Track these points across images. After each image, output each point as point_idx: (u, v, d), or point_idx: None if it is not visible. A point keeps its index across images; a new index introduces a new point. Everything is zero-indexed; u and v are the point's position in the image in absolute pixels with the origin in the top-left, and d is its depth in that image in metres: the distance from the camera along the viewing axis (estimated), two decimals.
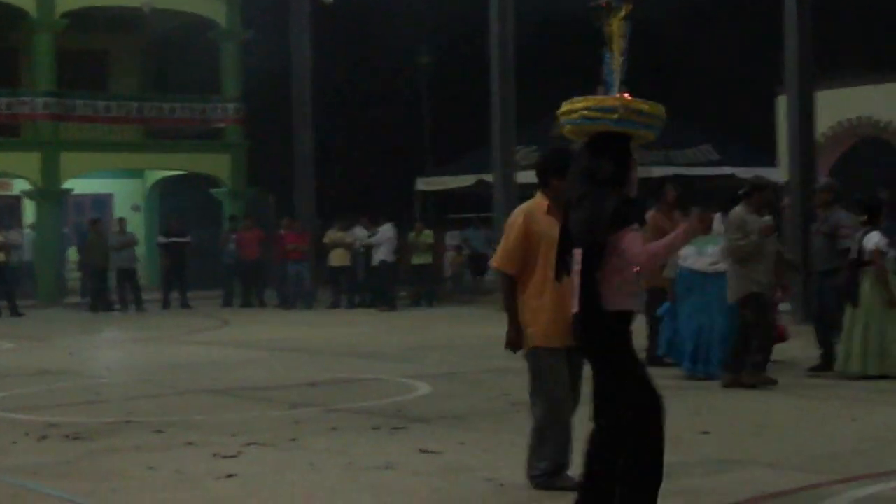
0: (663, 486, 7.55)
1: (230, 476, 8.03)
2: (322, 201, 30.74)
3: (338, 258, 26.17)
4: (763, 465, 8.11)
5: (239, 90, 32.71)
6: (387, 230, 25.44)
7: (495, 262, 7.59)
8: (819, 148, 23.28)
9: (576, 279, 6.24)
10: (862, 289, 12.27)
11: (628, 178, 6.28)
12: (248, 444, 9.15)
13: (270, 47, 31.10)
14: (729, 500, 6.97)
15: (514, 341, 7.51)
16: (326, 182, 31.95)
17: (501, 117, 24.22)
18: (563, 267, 6.39)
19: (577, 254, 6.23)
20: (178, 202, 31.73)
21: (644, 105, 6.32)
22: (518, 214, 7.54)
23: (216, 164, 32.55)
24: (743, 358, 12.03)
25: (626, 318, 6.24)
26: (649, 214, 13.66)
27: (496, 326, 17.02)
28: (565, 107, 6.41)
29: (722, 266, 12.47)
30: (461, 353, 16.32)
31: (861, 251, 12.32)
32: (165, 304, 26.92)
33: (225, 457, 8.66)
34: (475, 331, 19.48)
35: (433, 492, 7.54)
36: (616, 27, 6.44)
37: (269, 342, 18.40)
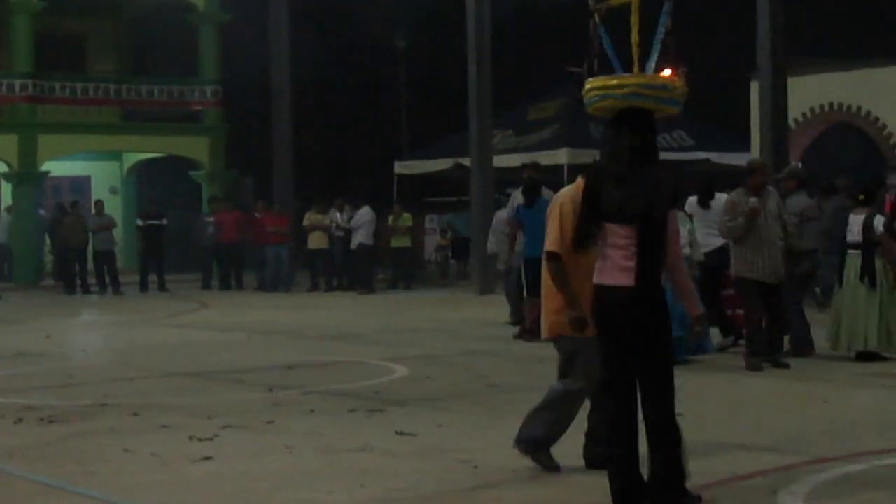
0: None
1: (206, 458, 8.07)
2: (300, 184, 30.74)
3: (316, 241, 26.21)
4: (735, 447, 8.20)
5: (217, 73, 32.63)
6: (365, 213, 25.46)
7: (550, 246, 7.36)
8: (791, 133, 23.42)
9: (617, 253, 6.32)
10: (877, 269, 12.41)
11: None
12: (225, 427, 9.19)
13: (249, 30, 31.05)
14: (702, 481, 7.05)
15: (582, 322, 7.07)
16: (305, 165, 31.94)
17: (478, 101, 24.25)
18: (586, 239, 6.48)
19: (618, 229, 6.31)
20: (156, 185, 31.67)
21: (680, 84, 6.57)
22: (564, 199, 7.37)
23: (194, 147, 32.49)
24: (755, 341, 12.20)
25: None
26: None
27: (474, 309, 17.18)
28: (605, 81, 6.49)
29: (687, 249, 12.50)
30: (439, 336, 16.38)
31: (868, 233, 12.39)
32: (143, 287, 26.88)
33: (201, 439, 8.70)
34: (453, 314, 19.56)
35: (409, 473, 7.60)
36: (635, 2, 6.56)
37: (247, 325, 18.41)
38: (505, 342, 15.09)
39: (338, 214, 26.09)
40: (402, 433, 8.81)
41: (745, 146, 25.85)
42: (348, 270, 26.11)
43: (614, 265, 6.34)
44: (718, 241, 13.49)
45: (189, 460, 8.06)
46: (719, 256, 13.50)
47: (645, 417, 6.42)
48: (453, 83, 27.62)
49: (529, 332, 15.05)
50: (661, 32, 6.63)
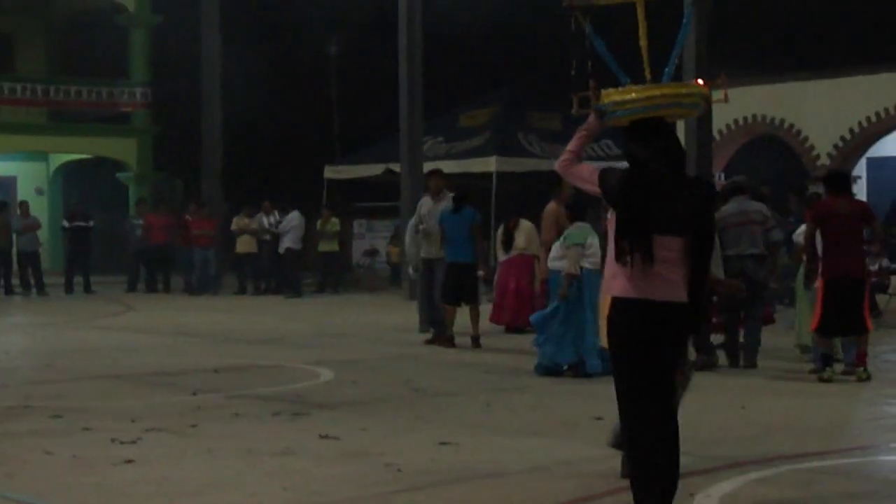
0: (557, 470, 7.77)
1: (128, 462, 8.04)
2: (230, 188, 30.63)
3: (244, 245, 26.17)
4: None
5: (147, 75, 32.42)
6: (293, 218, 25.45)
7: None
8: (715, 145, 23.78)
9: (663, 268, 5.99)
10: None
11: None
12: (148, 430, 9.16)
13: (180, 33, 30.89)
14: (619, 485, 7.14)
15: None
16: (234, 168, 31.82)
17: (409, 107, 24.31)
18: (648, 254, 6.00)
19: (667, 241, 6.00)
20: (83, 186, 31.41)
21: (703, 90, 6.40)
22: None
23: (122, 149, 32.27)
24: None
25: None
26: (548, 207, 13.83)
27: (401, 314, 17.20)
28: (632, 94, 6.22)
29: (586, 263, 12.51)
30: (365, 340, 16.42)
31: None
32: (68, 289, 26.64)
33: (123, 442, 8.67)
34: (379, 318, 19.60)
35: (333, 477, 7.62)
36: (641, 12, 6.40)
37: (173, 328, 18.32)
38: (427, 347, 15.15)
39: (264, 218, 26.06)
40: (325, 436, 8.84)
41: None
42: (276, 274, 26.09)
43: (663, 279, 6.00)
44: None
45: (111, 463, 8.02)
46: None
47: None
48: (384, 89, 27.67)
49: (448, 339, 15.15)
50: (682, 38, 6.51)
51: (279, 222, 25.64)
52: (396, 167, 25.82)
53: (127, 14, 32.32)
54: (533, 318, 12.91)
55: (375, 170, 28.80)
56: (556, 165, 6.44)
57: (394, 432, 9.12)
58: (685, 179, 6.14)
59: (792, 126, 24.74)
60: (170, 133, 32.97)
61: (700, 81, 6.35)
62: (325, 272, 26.69)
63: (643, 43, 6.34)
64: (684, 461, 7.89)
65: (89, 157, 32.91)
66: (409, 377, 12.32)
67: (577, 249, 12.28)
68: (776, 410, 10.34)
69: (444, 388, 11.76)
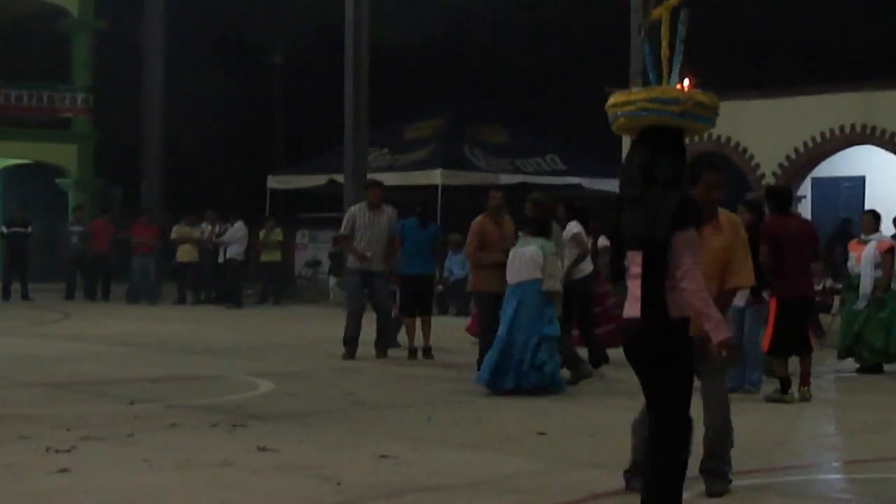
0: (498, 484, 7.72)
1: (63, 471, 7.91)
2: (171, 196, 30.39)
3: (185, 254, 25.97)
4: (594, 467, 8.29)
5: (89, 80, 32.11)
6: (239, 228, 25.30)
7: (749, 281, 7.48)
8: None
9: (632, 283, 5.94)
10: None
11: (684, 175, 6.09)
12: (84, 439, 9.02)
13: (123, 39, 30.63)
14: (560, 499, 7.11)
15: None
16: (175, 176, 31.59)
17: (354, 118, 24.26)
18: (617, 271, 6.08)
19: (635, 256, 5.93)
20: (22, 192, 31.02)
21: (703, 97, 6.06)
22: None
23: (62, 154, 31.92)
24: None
25: (688, 324, 5.96)
26: (476, 220, 13.77)
27: (343, 326, 17.01)
28: (619, 98, 6.07)
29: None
30: (305, 351, 16.31)
31: None
32: (5, 296, 26.29)
33: (58, 451, 8.52)
34: (320, 330, 19.47)
35: (270, 489, 7.53)
36: (665, 15, 6.15)
37: (111, 336, 18.11)
38: (371, 360, 15.04)
39: (208, 227, 25.86)
40: (264, 448, 8.73)
41: (616, 173, 26.23)
42: (217, 284, 25.89)
43: (630, 295, 5.96)
44: (588, 268, 13.70)
45: (45, 472, 7.89)
46: (587, 283, 13.69)
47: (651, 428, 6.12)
48: (330, 99, 27.57)
49: (411, 350, 15.17)
50: (678, 44, 6.23)
51: (222, 232, 25.46)
52: (340, 178, 25.74)
53: (70, 19, 32.02)
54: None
55: (319, 180, 28.71)
56: None
57: (333, 445, 9.04)
58: (652, 192, 5.91)
59: (738, 144, 24.90)
60: (110, 139, 32.65)
61: (683, 85, 6.06)
62: (267, 282, 26.53)
63: (665, 54, 6.16)
64: (621, 478, 7.90)
65: (29, 162, 32.52)
66: (351, 389, 12.23)
67: (556, 260, 12.27)
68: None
69: (385, 400, 11.68)
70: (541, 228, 12.29)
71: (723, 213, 7.57)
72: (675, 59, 6.16)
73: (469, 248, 13.70)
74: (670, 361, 5.90)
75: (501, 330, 12.03)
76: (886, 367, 14.54)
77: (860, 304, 14.37)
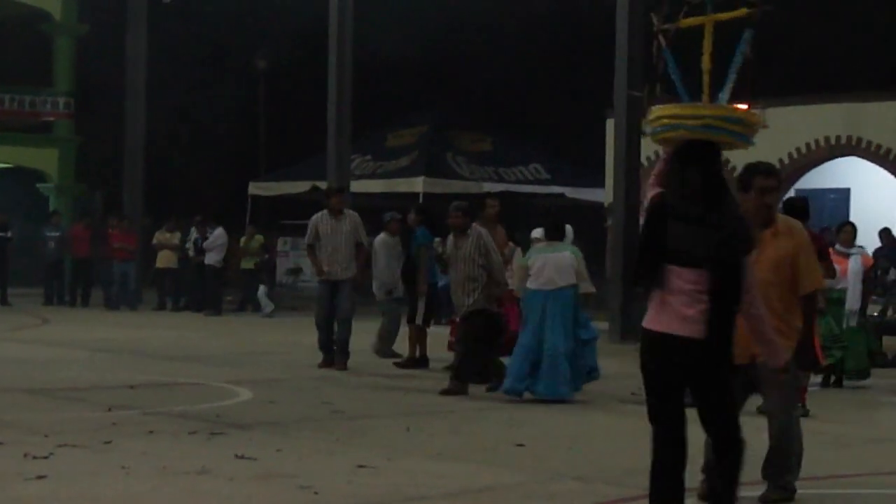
0: (474, 495, 7.72)
1: (40, 477, 7.87)
2: (153, 202, 30.29)
3: (164, 260, 25.87)
4: (572, 478, 8.29)
5: (71, 85, 32.01)
6: (220, 235, 25.21)
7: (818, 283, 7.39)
8: (643, 171, 23.88)
9: (678, 299, 5.84)
10: None
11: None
12: (61, 446, 8.98)
13: (106, 43, 30.55)
14: None
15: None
16: (157, 182, 31.49)
17: (337, 125, 24.24)
18: (647, 281, 5.95)
19: (689, 274, 5.84)
20: (3, 196, 30.90)
21: (755, 117, 6.27)
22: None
23: (43, 159, 31.83)
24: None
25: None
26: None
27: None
28: (672, 110, 6.12)
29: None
30: (284, 359, 16.26)
31: None
32: None
33: (36, 457, 8.48)
34: (299, 338, 19.39)
35: (247, 498, 7.51)
36: (709, 27, 6.22)
37: (90, 342, 18.05)
38: (350, 370, 14.99)
39: (195, 233, 25.68)
40: (242, 457, 8.71)
41: (599, 182, 26.29)
42: (197, 291, 25.79)
43: (674, 312, 5.86)
44: None
45: (22, 478, 7.85)
46: None
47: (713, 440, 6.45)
48: (313, 106, 27.57)
49: (412, 361, 15.25)
50: (738, 61, 6.25)
51: (204, 238, 25.37)
52: (323, 185, 25.71)
53: (53, 22, 31.93)
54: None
55: (301, 187, 28.69)
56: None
57: (311, 454, 9.01)
58: (716, 209, 5.91)
59: (721, 155, 25.00)
60: (91, 144, 32.55)
61: (744, 106, 6.16)
62: (247, 290, 26.45)
63: (706, 66, 6.20)
64: (603, 489, 7.91)
65: (9, 166, 32.41)
66: (329, 399, 12.20)
67: (522, 271, 12.32)
68: (694, 440, 10.33)
69: (363, 410, 11.66)
70: (560, 234, 12.45)
71: (781, 218, 7.50)
72: (730, 76, 6.24)
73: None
74: (729, 378, 6.05)
75: (527, 338, 12.00)
76: (846, 381, 14.34)
77: (852, 321, 14.17)
